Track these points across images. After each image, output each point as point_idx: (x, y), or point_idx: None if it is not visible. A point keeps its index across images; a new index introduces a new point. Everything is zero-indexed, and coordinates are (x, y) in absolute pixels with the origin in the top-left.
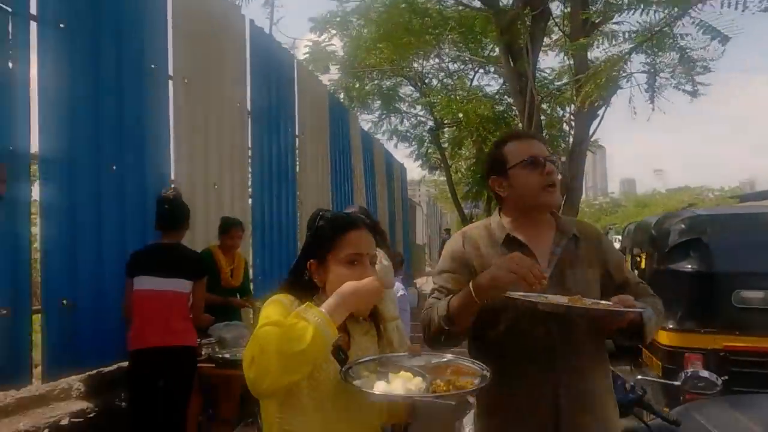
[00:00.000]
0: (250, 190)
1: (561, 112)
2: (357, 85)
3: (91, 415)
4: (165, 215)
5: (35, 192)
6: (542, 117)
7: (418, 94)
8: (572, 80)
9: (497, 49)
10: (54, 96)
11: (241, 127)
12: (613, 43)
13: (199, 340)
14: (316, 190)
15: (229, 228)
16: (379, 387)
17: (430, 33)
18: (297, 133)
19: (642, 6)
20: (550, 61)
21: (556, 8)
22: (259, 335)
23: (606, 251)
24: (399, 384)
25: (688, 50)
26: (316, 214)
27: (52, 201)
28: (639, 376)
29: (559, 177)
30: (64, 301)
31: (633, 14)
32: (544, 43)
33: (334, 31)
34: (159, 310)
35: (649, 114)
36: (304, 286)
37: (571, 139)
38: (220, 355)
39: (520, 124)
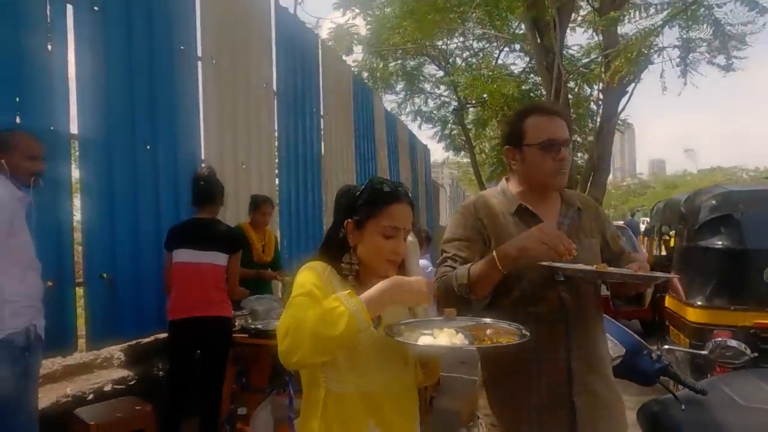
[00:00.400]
0: (276, 171)
1: (588, 91)
2: (381, 65)
3: (132, 383)
4: (201, 192)
5: (75, 171)
6: (569, 96)
7: (442, 73)
8: (601, 54)
9: (523, 26)
10: (90, 78)
11: (268, 108)
12: (644, 15)
13: (232, 312)
14: (341, 170)
15: (259, 204)
16: (425, 341)
17: (455, 11)
18: (322, 114)
19: None
20: (578, 38)
21: None
22: (293, 304)
23: (604, 222)
24: (445, 339)
25: (724, 24)
26: (348, 188)
27: (91, 179)
28: (666, 346)
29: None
30: (104, 275)
31: None
32: (571, 20)
33: (357, 10)
34: (196, 282)
35: (680, 89)
36: (338, 243)
37: (599, 118)
38: (253, 326)
39: None
